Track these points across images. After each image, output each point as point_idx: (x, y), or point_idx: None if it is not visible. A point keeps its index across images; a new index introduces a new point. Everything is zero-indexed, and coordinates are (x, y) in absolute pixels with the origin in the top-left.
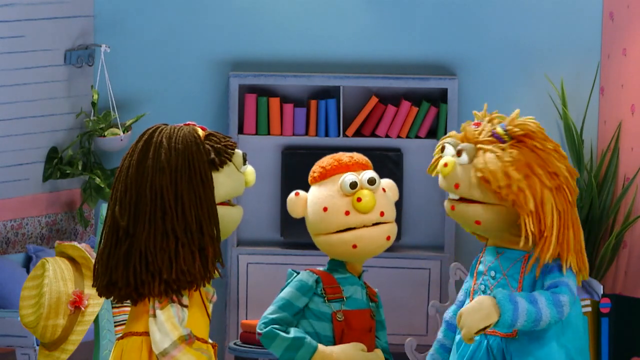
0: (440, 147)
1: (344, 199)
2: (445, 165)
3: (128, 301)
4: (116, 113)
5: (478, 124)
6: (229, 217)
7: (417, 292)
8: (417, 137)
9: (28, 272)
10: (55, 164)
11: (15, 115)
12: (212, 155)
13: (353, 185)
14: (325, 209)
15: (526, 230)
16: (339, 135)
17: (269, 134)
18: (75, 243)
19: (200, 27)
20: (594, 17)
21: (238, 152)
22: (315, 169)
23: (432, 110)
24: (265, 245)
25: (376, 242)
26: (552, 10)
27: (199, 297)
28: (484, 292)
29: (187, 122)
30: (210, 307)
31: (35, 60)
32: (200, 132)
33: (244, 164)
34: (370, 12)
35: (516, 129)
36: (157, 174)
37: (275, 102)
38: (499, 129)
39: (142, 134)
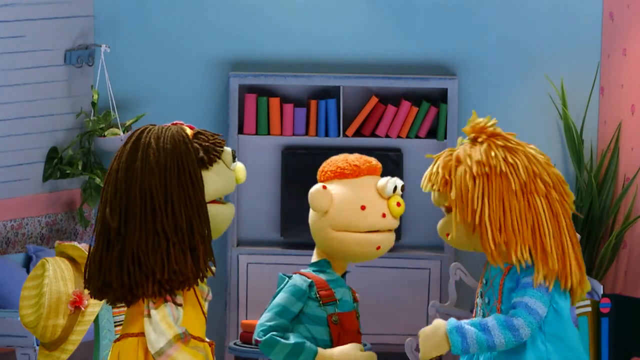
0: None
1: (381, 201)
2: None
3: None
4: (116, 113)
5: None
6: (220, 215)
7: (417, 292)
8: (417, 137)
9: (28, 272)
10: (55, 164)
11: (15, 115)
12: (201, 154)
13: (395, 189)
14: (363, 208)
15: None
16: (339, 135)
17: (269, 134)
18: (75, 243)
19: (200, 27)
20: (594, 17)
21: (227, 149)
22: (344, 165)
23: (432, 110)
24: (265, 245)
25: (390, 247)
26: (552, 10)
27: (193, 296)
28: (481, 297)
29: (175, 122)
30: (205, 305)
31: (35, 60)
32: (189, 131)
33: (234, 161)
34: (370, 12)
35: (467, 129)
36: (146, 175)
37: (275, 102)
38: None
39: (130, 135)
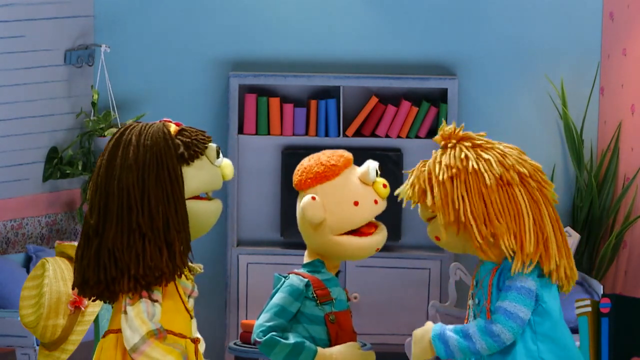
0: None
1: (368, 188)
2: None
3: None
4: (116, 113)
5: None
6: (203, 211)
7: (417, 292)
8: (417, 137)
9: (28, 272)
10: (55, 164)
11: (15, 115)
12: (181, 150)
13: (377, 172)
14: (356, 203)
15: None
16: (339, 135)
17: (269, 134)
18: (75, 243)
19: (200, 27)
20: (594, 17)
21: (211, 145)
22: (321, 169)
23: (432, 110)
24: (265, 245)
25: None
26: (552, 10)
27: (175, 293)
28: (472, 298)
29: (162, 119)
30: (190, 302)
31: (35, 60)
32: (173, 128)
33: (218, 157)
34: (370, 12)
35: (437, 137)
36: (124, 172)
37: (275, 102)
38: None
39: (114, 132)
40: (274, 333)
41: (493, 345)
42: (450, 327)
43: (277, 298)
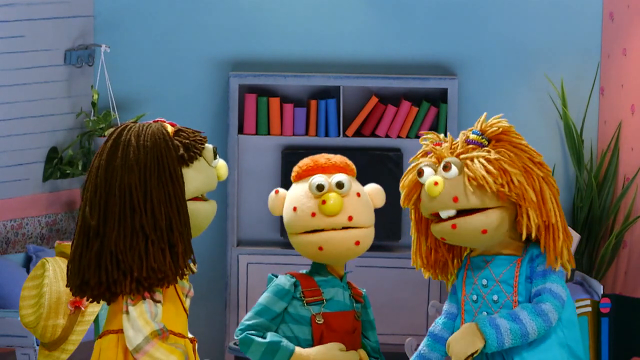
0: (412, 174)
1: (312, 200)
2: (436, 184)
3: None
4: (116, 113)
5: (439, 144)
6: (200, 213)
7: (417, 292)
8: (417, 137)
9: (28, 272)
10: (55, 164)
11: (15, 115)
12: (181, 151)
13: (320, 187)
14: (294, 209)
15: (529, 222)
16: (339, 135)
17: (269, 134)
18: None
19: (200, 27)
20: (594, 17)
21: (208, 146)
22: (295, 168)
23: (432, 110)
24: (265, 245)
25: (343, 246)
26: (552, 10)
27: (174, 293)
28: (475, 302)
29: (156, 119)
30: (187, 302)
31: (35, 60)
32: (170, 129)
33: (215, 158)
34: (370, 12)
35: (492, 129)
36: (126, 173)
37: (275, 102)
38: (472, 136)
39: (111, 133)
40: (250, 332)
41: (542, 325)
42: (495, 315)
43: (262, 297)
